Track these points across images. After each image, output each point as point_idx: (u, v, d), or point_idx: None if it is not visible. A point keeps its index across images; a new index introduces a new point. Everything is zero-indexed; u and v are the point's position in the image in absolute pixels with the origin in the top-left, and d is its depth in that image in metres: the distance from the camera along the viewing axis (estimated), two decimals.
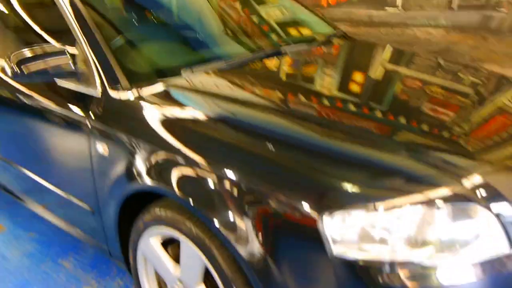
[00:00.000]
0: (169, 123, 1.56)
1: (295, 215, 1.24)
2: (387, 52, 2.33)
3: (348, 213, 1.17)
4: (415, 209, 1.16)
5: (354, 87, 1.90)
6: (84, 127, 1.73)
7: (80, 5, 1.90)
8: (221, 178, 1.33)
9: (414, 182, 1.22)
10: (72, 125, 1.83)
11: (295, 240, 1.26)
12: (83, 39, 1.80)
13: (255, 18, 2.82)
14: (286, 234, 1.27)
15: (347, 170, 1.26)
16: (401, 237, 1.14)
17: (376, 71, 2.07)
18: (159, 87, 1.68)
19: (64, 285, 1.97)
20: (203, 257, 1.39)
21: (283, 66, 2.04)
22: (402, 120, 1.54)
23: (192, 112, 1.61)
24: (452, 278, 1.15)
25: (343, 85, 1.88)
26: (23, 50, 1.82)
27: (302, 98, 1.69)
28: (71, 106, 1.81)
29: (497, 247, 1.19)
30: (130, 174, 1.58)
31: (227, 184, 1.34)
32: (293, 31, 2.84)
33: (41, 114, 2.01)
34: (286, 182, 1.26)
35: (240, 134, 1.44)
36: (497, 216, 1.18)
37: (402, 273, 1.14)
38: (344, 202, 1.17)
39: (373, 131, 1.45)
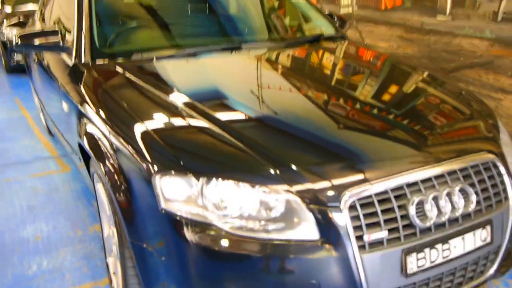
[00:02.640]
0: (99, 88, 2.39)
1: (143, 173, 1.77)
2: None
3: (178, 179, 1.69)
4: (228, 184, 1.66)
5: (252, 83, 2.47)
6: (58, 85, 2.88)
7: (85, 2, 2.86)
8: (106, 137, 2.06)
9: (240, 166, 1.71)
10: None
11: (142, 190, 1.79)
12: (76, 24, 2.75)
13: (236, 11, 3.47)
14: (137, 185, 1.86)
15: (188, 145, 1.85)
16: (212, 203, 1.66)
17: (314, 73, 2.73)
18: (106, 63, 2.57)
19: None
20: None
21: (218, 59, 2.74)
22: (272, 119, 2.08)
23: (116, 83, 2.43)
24: (235, 246, 1.62)
25: (254, 81, 2.49)
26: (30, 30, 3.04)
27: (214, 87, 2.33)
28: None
29: (306, 232, 1.62)
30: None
31: (107, 143, 2.05)
32: (279, 29, 3.47)
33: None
34: (139, 147, 1.83)
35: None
36: (303, 200, 1.63)
37: (207, 231, 1.66)
38: (176, 169, 1.70)
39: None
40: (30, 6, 8.79)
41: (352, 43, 3.26)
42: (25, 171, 3.99)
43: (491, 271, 2.00)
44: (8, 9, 8.68)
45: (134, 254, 1.85)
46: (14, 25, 8.08)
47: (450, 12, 4.40)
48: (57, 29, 2.78)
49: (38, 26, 4.26)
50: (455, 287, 1.91)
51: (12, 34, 7.93)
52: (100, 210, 2.40)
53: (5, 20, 8.19)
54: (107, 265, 2.39)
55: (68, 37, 2.79)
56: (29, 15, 8.02)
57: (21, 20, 8.19)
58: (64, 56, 2.82)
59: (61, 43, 2.74)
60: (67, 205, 3.39)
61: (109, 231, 2.30)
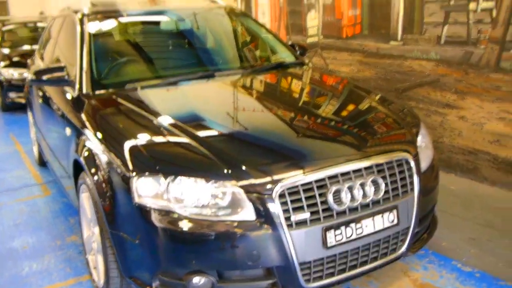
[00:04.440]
0: (96, 113, 2.88)
1: (122, 174, 2.27)
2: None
3: (150, 179, 2.17)
4: (188, 181, 2.14)
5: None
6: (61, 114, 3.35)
7: (86, 37, 3.40)
8: (100, 152, 2.53)
9: (200, 167, 2.20)
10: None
11: (122, 188, 2.27)
12: (78, 61, 3.26)
13: (209, 43, 3.98)
14: (118, 188, 2.34)
15: (163, 154, 2.38)
16: (175, 196, 2.15)
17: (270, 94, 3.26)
18: (103, 93, 3.07)
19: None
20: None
21: (194, 86, 3.24)
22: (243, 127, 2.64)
23: (111, 109, 2.94)
24: (193, 227, 2.10)
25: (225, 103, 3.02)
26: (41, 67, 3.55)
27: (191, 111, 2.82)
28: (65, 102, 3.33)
29: (246, 215, 2.11)
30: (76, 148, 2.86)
31: (101, 157, 2.52)
32: (248, 58, 3.99)
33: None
34: (125, 157, 2.29)
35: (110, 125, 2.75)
36: (246, 192, 2.12)
37: (171, 217, 2.14)
38: (150, 171, 2.20)
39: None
40: (26, 47, 9.31)
41: (308, 69, 3.71)
42: (13, 197, 4.51)
43: (403, 249, 2.45)
44: (6, 50, 9.19)
45: (114, 242, 2.33)
46: (9, 65, 8.59)
47: (401, 37, 4.82)
48: (63, 66, 3.28)
49: (39, 64, 4.74)
50: (371, 261, 2.36)
51: (8, 73, 8.41)
52: (81, 217, 2.91)
53: (2, 62, 8.67)
54: (87, 262, 2.88)
55: (70, 72, 3.25)
56: (24, 55, 8.55)
57: (16, 60, 8.70)
58: (66, 88, 3.27)
59: (66, 77, 3.21)
60: (47, 222, 3.91)
61: (89, 232, 2.78)
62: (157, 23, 4.00)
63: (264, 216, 2.10)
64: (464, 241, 3.19)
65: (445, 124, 4.40)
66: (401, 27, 4.82)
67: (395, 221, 2.35)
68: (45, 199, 4.39)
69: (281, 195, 2.11)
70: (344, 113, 2.91)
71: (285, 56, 3.91)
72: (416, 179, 2.44)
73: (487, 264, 2.90)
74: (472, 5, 4.10)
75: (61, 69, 3.20)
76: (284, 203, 2.11)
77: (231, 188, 2.13)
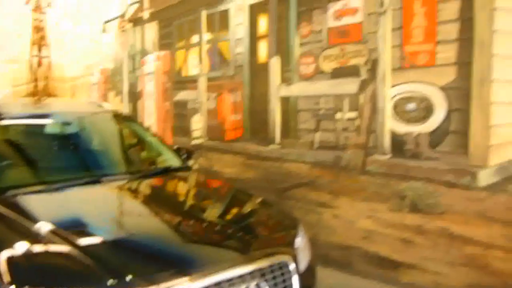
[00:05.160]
0: None
1: None
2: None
3: None
4: None
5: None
6: None
7: None
8: None
9: (84, 278, 2.12)
10: None
11: None
12: None
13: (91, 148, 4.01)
14: None
15: (44, 265, 2.25)
16: None
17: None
18: None
19: None
20: None
21: (79, 192, 3.13)
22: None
23: None
24: None
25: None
26: None
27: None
28: None
29: None
30: None
31: None
32: (134, 163, 4.07)
33: None
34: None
35: None
36: None
37: None
38: (27, 283, 2.05)
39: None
40: None
41: (194, 173, 3.86)
42: None
43: None
44: None
45: None
46: None
47: (279, 142, 5.24)
48: None
49: None
50: None
51: None
52: None
53: None
54: None
55: None
56: None
57: None
58: None
59: None
60: None
61: None
62: (41, 126, 3.94)
63: None
64: None
65: (321, 222, 4.73)
66: (278, 132, 5.25)
67: None
68: None
69: None
70: (228, 218, 3.05)
71: (171, 160, 4.02)
72: (295, 280, 2.60)
73: None
74: (338, 115, 4.64)
75: None
76: None
77: None
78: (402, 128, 4.14)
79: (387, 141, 4.25)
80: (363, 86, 4.42)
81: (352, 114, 4.54)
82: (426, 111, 3.97)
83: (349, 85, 4.54)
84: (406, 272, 4.09)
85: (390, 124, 4.22)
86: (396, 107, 4.19)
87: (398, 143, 4.18)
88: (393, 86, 4.20)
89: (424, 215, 3.96)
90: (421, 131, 4.01)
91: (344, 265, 4.56)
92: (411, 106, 4.07)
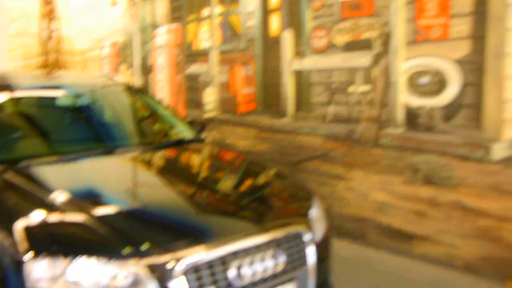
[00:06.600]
0: None
1: (13, 256, 2.17)
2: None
3: (46, 261, 2.12)
4: (88, 262, 2.12)
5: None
6: None
7: None
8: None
9: (101, 247, 2.18)
10: None
11: (13, 271, 2.17)
12: None
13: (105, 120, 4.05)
14: (8, 267, 2.24)
15: (61, 234, 2.32)
16: (73, 280, 2.11)
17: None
18: None
19: None
20: None
21: (92, 163, 3.22)
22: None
23: (1, 186, 2.78)
24: None
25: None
26: None
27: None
28: None
29: None
30: None
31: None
32: (148, 135, 4.13)
33: None
34: (17, 238, 2.20)
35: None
36: (149, 271, 2.13)
37: None
38: (46, 254, 2.14)
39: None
40: None
41: (207, 145, 3.91)
42: None
43: None
44: None
45: None
46: None
47: (292, 115, 5.27)
48: None
49: None
50: None
51: None
52: None
53: None
54: None
55: None
56: None
57: None
58: None
59: None
60: None
61: None
62: (54, 99, 3.95)
63: None
64: None
65: (335, 194, 4.81)
66: (291, 105, 5.28)
67: None
68: None
69: (185, 273, 2.18)
70: (242, 189, 3.10)
71: (185, 132, 4.05)
72: (311, 250, 2.67)
73: None
74: (351, 88, 4.65)
75: None
76: (187, 280, 2.18)
77: (133, 268, 2.13)
78: (416, 101, 4.15)
79: (400, 115, 4.27)
80: (376, 59, 4.42)
81: (365, 88, 4.55)
82: (440, 84, 3.98)
83: (362, 59, 4.54)
84: (419, 244, 4.18)
85: (404, 98, 4.23)
86: (409, 80, 4.19)
87: (412, 117, 4.20)
88: (406, 59, 4.19)
89: (438, 188, 4.01)
90: (435, 105, 4.02)
91: (358, 237, 4.66)
92: (424, 79, 4.08)
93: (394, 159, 4.34)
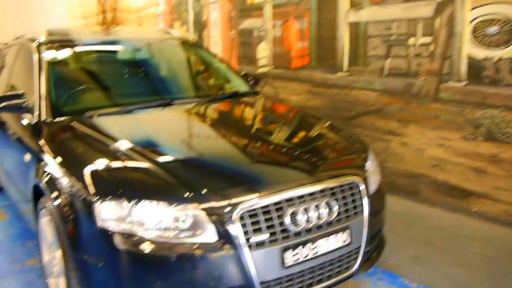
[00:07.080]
0: (56, 139, 2.96)
1: (84, 199, 2.32)
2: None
3: (113, 203, 2.23)
4: (151, 205, 2.21)
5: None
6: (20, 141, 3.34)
7: (44, 65, 3.44)
8: (61, 177, 2.56)
9: (163, 191, 2.28)
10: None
11: (84, 212, 2.32)
12: (37, 89, 3.30)
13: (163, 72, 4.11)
14: (81, 212, 2.38)
15: (125, 178, 2.45)
16: (138, 220, 2.22)
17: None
18: (62, 120, 3.10)
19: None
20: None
21: (151, 114, 3.35)
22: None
23: (70, 135, 3.01)
24: (155, 249, 2.17)
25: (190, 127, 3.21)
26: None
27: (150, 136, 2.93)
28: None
29: (208, 237, 2.20)
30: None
31: (61, 181, 2.55)
32: (203, 87, 4.16)
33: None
34: (86, 182, 2.34)
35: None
36: (207, 214, 2.21)
37: (133, 240, 2.21)
38: (113, 196, 2.26)
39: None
40: None
41: (261, 98, 3.89)
42: None
43: (355, 267, 2.62)
44: None
45: (77, 266, 2.36)
46: None
47: (347, 69, 5.12)
48: (21, 93, 3.25)
49: None
50: (326, 279, 2.51)
51: None
52: (41, 241, 2.90)
53: None
54: (48, 286, 2.86)
55: (28, 99, 3.25)
56: None
57: None
58: (24, 115, 3.27)
59: (24, 105, 3.19)
60: (6, 246, 3.85)
61: (49, 256, 2.77)
62: (114, 52, 4.07)
63: (225, 238, 2.20)
64: (409, 259, 3.40)
65: (389, 149, 4.68)
66: (346, 59, 5.12)
67: (348, 241, 2.52)
68: (1, 224, 4.31)
69: (241, 218, 2.23)
70: (297, 140, 3.09)
71: (239, 85, 4.07)
72: (365, 201, 2.63)
73: (430, 279, 3.11)
74: (411, 40, 4.44)
75: (19, 96, 3.20)
76: (243, 225, 2.22)
77: (192, 211, 2.21)
78: (481, 53, 3.92)
79: (463, 67, 4.05)
80: (439, 9, 4.18)
81: (426, 39, 4.33)
82: (510, 34, 3.72)
83: (424, 8, 4.31)
84: (476, 201, 4.02)
85: (468, 49, 4.00)
86: (475, 30, 3.95)
87: (476, 69, 3.98)
88: (472, 8, 3.94)
89: (500, 144, 3.81)
90: (503, 56, 3.78)
91: (411, 193, 4.53)
92: (492, 29, 3.82)
93: (454, 114, 4.14)
